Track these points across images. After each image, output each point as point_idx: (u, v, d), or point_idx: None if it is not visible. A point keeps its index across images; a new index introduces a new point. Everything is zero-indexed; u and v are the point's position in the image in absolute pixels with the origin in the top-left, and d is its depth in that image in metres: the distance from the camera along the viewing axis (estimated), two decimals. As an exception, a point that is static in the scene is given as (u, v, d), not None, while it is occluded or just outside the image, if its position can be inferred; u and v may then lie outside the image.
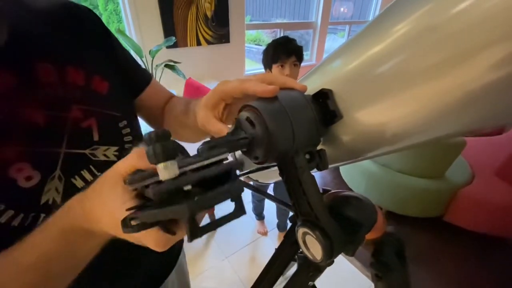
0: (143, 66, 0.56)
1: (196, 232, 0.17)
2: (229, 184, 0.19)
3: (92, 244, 0.29)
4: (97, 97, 0.40)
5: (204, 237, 1.76)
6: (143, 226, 0.20)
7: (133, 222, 0.20)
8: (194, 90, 1.65)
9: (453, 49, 0.17)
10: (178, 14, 2.23)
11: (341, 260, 1.57)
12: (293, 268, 0.32)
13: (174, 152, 0.18)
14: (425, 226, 1.81)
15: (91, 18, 0.43)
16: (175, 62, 1.96)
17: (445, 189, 1.70)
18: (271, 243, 1.72)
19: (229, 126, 0.29)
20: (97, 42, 0.43)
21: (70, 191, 0.34)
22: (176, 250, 0.60)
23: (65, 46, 0.38)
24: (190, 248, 1.68)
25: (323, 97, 0.25)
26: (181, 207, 0.16)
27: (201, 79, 2.29)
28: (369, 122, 0.24)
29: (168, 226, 0.22)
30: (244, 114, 0.25)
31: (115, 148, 0.41)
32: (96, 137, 0.39)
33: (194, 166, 0.20)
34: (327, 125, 0.26)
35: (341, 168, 2.27)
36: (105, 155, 0.40)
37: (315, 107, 0.25)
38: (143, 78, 0.52)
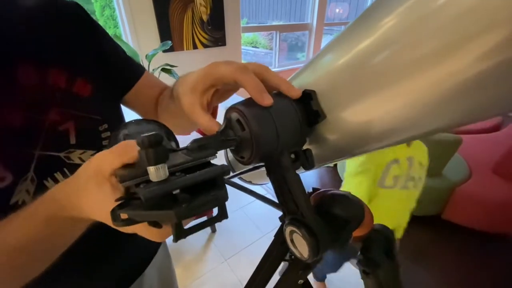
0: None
1: (180, 234, 0.18)
2: (215, 193, 0.20)
3: (78, 227, 0.29)
4: (78, 100, 0.39)
5: (203, 239, 1.76)
6: (131, 222, 0.21)
7: (122, 216, 0.21)
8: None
9: (439, 41, 0.17)
10: (174, 18, 2.24)
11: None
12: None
13: (165, 155, 0.19)
14: (423, 224, 1.81)
15: (77, 14, 0.42)
16: (172, 66, 1.97)
17: (443, 187, 1.71)
18: (270, 244, 1.72)
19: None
20: (83, 40, 0.41)
21: (41, 193, 0.35)
22: (153, 246, 0.60)
23: (49, 46, 0.37)
24: (189, 251, 1.68)
25: (307, 97, 0.26)
26: (168, 213, 0.17)
27: (198, 82, 2.29)
28: (353, 120, 0.24)
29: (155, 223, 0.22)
30: (232, 115, 0.25)
31: (92, 152, 0.41)
32: (72, 140, 0.39)
33: (184, 166, 0.21)
34: (312, 125, 0.26)
35: (338, 167, 2.27)
36: (80, 158, 0.40)
37: (299, 107, 0.26)
38: (133, 73, 0.50)
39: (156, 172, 0.18)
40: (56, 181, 0.38)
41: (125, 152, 0.22)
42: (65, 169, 0.38)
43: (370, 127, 0.24)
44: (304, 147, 0.28)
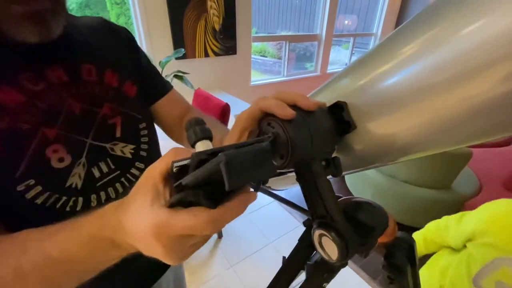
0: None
1: (232, 175, 0.17)
2: (261, 145, 0.20)
3: (114, 254, 0.28)
4: (126, 99, 0.46)
5: (210, 245, 1.76)
6: (182, 202, 0.21)
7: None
8: (203, 99, 1.69)
9: (461, 67, 0.18)
10: (188, 27, 2.31)
11: (347, 271, 1.56)
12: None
13: (209, 133, 0.22)
14: (432, 238, 1.79)
15: (125, 34, 0.52)
16: (184, 73, 2.02)
17: (452, 200, 1.69)
18: (276, 252, 1.72)
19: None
20: (129, 53, 0.51)
21: (88, 179, 0.40)
22: None
23: (105, 52, 0.46)
24: (196, 256, 1.68)
25: (338, 109, 0.27)
26: (217, 157, 0.17)
27: (208, 89, 2.35)
28: (381, 132, 0.26)
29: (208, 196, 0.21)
30: (269, 123, 0.27)
31: (132, 146, 0.46)
32: (118, 134, 0.44)
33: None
34: (342, 134, 0.28)
35: (346, 178, 2.27)
36: (122, 151, 0.44)
37: (331, 117, 0.27)
38: (160, 88, 0.57)
39: (202, 145, 0.21)
40: (100, 169, 0.41)
41: (175, 154, 0.23)
42: (108, 160, 0.43)
43: (395, 139, 0.26)
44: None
